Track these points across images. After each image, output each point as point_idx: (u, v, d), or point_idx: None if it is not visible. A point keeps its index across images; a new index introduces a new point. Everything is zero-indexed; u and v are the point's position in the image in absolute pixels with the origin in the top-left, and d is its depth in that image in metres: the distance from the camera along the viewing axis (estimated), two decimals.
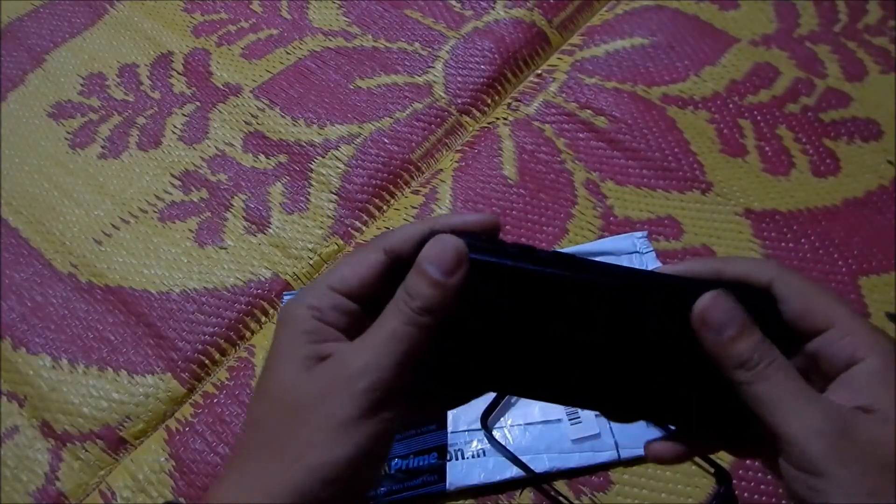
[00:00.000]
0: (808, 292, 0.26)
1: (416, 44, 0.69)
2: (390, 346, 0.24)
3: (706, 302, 0.25)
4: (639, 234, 0.55)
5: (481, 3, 0.71)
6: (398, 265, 0.26)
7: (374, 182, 0.60)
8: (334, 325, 0.26)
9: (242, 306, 0.55)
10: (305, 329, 0.25)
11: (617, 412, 0.28)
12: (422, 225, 0.26)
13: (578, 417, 0.47)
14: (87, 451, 0.50)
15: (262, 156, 0.63)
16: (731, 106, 0.62)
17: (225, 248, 0.58)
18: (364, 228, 0.59)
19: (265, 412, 0.26)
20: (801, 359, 0.26)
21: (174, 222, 0.59)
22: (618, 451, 0.46)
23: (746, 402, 0.24)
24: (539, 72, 0.67)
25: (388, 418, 0.24)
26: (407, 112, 0.64)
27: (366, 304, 0.26)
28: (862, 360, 0.24)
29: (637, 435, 0.46)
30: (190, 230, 0.59)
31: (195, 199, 0.61)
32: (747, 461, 0.45)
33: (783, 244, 0.55)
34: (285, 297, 0.53)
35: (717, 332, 0.25)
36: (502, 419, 0.47)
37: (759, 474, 0.45)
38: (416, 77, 0.67)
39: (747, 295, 0.25)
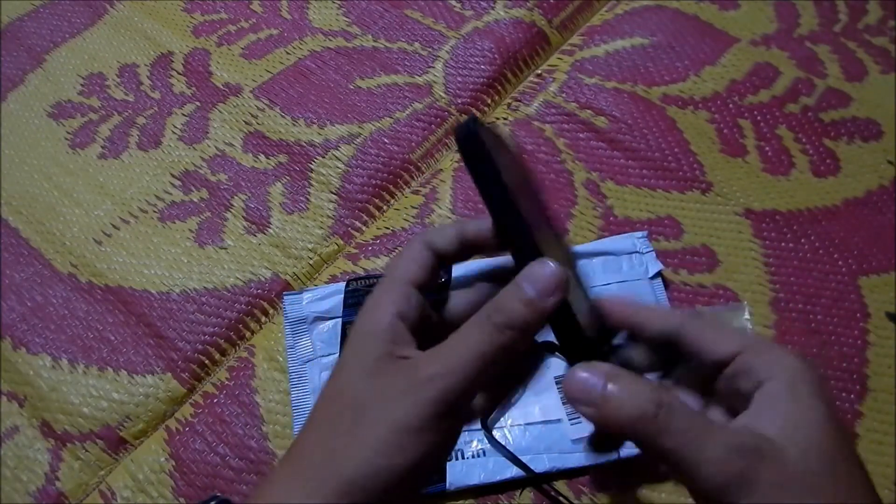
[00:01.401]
0: (714, 327, 0.25)
1: (416, 44, 0.69)
2: (466, 358, 0.24)
3: (568, 378, 0.24)
4: (639, 234, 0.55)
5: (481, 3, 0.71)
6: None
7: (374, 182, 0.60)
8: (410, 320, 0.26)
9: (242, 306, 0.55)
10: (383, 329, 0.25)
11: None
12: (459, 226, 0.28)
13: (578, 417, 0.47)
14: (87, 451, 0.50)
15: (262, 156, 0.63)
16: (731, 106, 0.62)
17: (225, 248, 0.58)
18: (364, 228, 0.59)
19: (325, 411, 0.25)
20: (723, 383, 0.26)
21: (174, 222, 0.59)
22: (618, 451, 0.45)
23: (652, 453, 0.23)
24: (539, 72, 0.67)
25: (449, 431, 0.24)
26: (407, 112, 0.64)
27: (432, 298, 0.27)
28: (764, 381, 0.24)
29: None
30: (190, 230, 0.59)
31: (195, 199, 0.61)
32: None
33: (783, 244, 0.55)
34: (285, 297, 0.54)
35: (595, 406, 0.24)
36: (502, 419, 0.47)
37: None
38: (416, 77, 0.67)
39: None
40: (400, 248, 0.56)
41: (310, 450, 0.25)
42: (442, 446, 0.24)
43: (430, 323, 0.28)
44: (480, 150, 0.26)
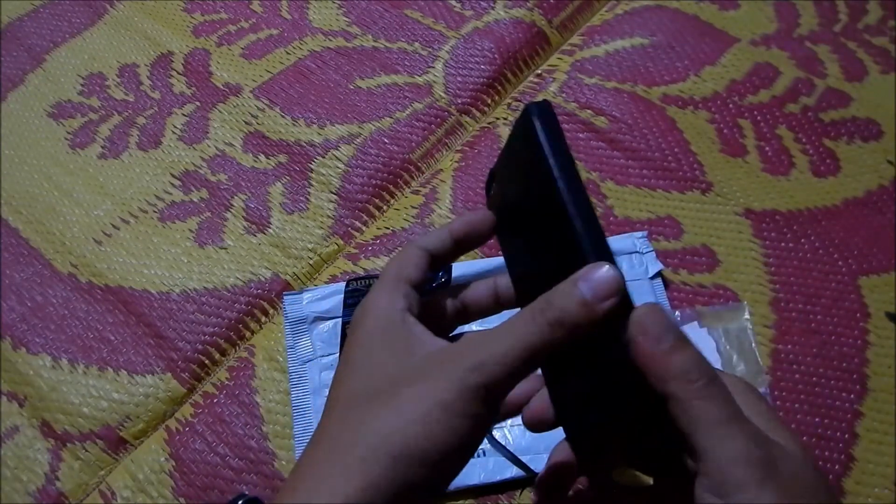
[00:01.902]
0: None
1: (416, 44, 0.69)
2: (514, 349, 0.24)
3: (644, 310, 0.24)
4: (639, 234, 0.55)
5: (481, 3, 0.71)
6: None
7: (374, 182, 0.60)
8: (413, 314, 0.27)
9: (242, 306, 0.55)
10: (397, 319, 0.26)
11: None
12: (448, 225, 0.30)
13: None
14: (87, 451, 0.50)
15: (262, 156, 0.63)
16: (731, 106, 0.62)
17: (225, 248, 0.58)
18: (364, 228, 0.59)
19: (353, 392, 0.25)
20: None
21: (174, 222, 0.59)
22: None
23: (674, 416, 0.23)
24: (539, 72, 0.67)
25: (483, 420, 0.24)
26: (407, 112, 0.64)
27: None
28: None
29: None
30: (190, 230, 0.59)
31: (195, 199, 0.61)
32: None
33: (783, 244, 0.55)
34: (285, 297, 0.54)
35: (657, 340, 0.23)
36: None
37: None
38: (416, 77, 0.67)
39: None
40: (400, 249, 0.56)
41: (345, 429, 0.24)
42: (474, 436, 0.24)
43: (428, 320, 0.28)
44: (557, 128, 0.26)
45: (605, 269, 0.24)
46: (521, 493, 0.46)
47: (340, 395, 0.26)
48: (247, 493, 0.46)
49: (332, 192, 0.60)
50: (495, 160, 0.32)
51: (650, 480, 0.30)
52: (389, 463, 0.23)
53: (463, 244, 0.30)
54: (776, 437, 0.24)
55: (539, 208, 0.27)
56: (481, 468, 0.46)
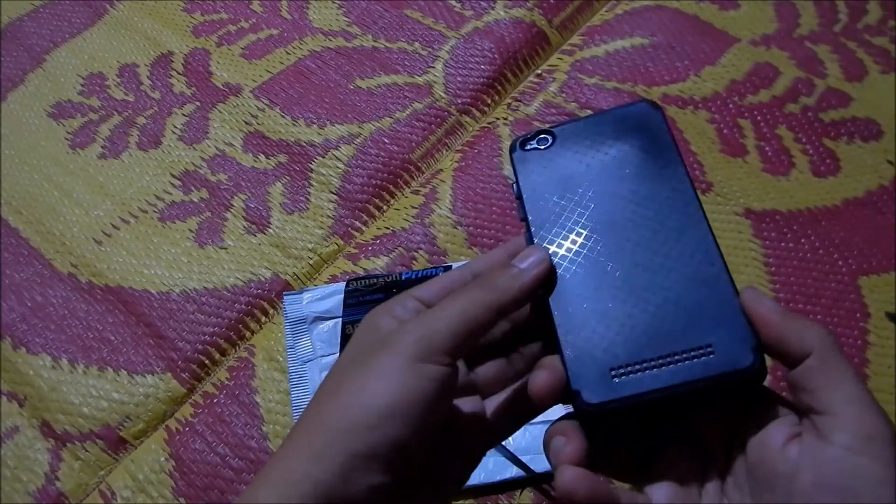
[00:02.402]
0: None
1: (416, 44, 0.69)
2: (451, 314, 0.26)
3: (750, 292, 0.26)
4: None
5: (481, 3, 0.71)
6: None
7: (374, 182, 0.60)
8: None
9: (242, 306, 0.55)
10: (380, 331, 0.27)
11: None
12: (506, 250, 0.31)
13: None
14: (87, 451, 0.50)
15: (262, 156, 0.63)
16: (731, 106, 0.62)
17: (225, 248, 0.58)
18: (364, 228, 0.59)
19: (336, 368, 0.27)
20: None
21: (174, 222, 0.59)
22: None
23: (812, 377, 0.24)
24: (539, 72, 0.67)
25: (433, 375, 0.25)
26: (407, 112, 0.64)
27: None
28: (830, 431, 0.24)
29: None
30: (190, 230, 0.59)
31: (195, 199, 0.61)
32: None
33: (783, 244, 0.55)
34: (285, 297, 0.54)
35: (776, 305, 0.25)
36: None
37: None
38: (416, 77, 0.67)
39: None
40: (400, 249, 0.56)
41: (315, 409, 0.26)
42: (436, 386, 0.25)
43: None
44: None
45: (537, 250, 0.28)
46: (521, 493, 0.46)
47: (328, 374, 0.28)
48: None
49: (332, 192, 0.60)
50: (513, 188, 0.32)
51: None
52: (353, 429, 0.24)
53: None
54: None
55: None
56: (481, 468, 0.46)
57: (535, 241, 0.29)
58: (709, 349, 0.25)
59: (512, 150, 0.32)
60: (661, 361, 0.25)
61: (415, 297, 0.28)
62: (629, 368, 0.25)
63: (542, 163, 0.31)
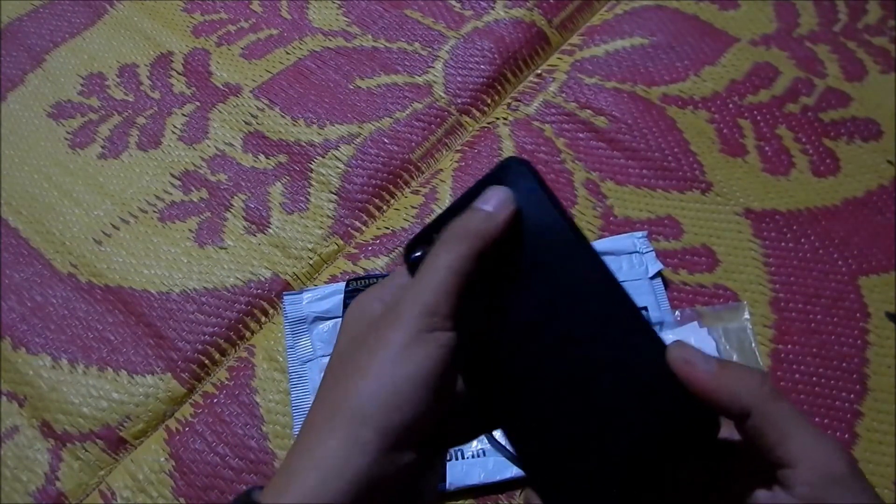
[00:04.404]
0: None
1: (416, 44, 0.69)
2: (436, 274, 0.26)
3: (677, 346, 0.25)
4: (639, 233, 0.55)
5: (481, 3, 0.71)
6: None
7: (374, 182, 0.60)
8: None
9: (242, 306, 0.55)
10: (372, 314, 0.27)
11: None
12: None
13: None
14: (87, 451, 0.50)
15: (262, 156, 0.63)
16: (731, 106, 0.62)
17: (225, 248, 0.58)
18: (364, 228, 0.59)
19: (338, 360, 0.27)
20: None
21: (174, 222, 0.59)
22: None
23: (756, 432, 0.24)
24: (539, 72, 0.67)
25: (441, 344, 0.25)
26: (407, 112, 0.64)
27: None
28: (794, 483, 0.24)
29: None
30: (190, 230, 0.59)
31: (195, 199, 0.61)
32: None
33: (783, 244, 0.55)
34: (285, 297, 0.54)
35: (706, 363, 0.24)
36: None
37: None
38: (416, 77, 0.67)
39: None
40: (400, 249, 0.56)
41: (324, 397, 0.26)
42: (438, 360, 0.25)
43: None
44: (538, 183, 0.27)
45: (492, 189, 0.27)
46: (520, 493, 0.46)
47: (329, 362, 0.28)
48: (260, 486, 0.46)
49: (332, 192, 0.60)
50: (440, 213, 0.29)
51: None
52: (359, 419, 0.24)
53: None
54: None
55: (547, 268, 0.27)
56: (481, 468, 0.46)
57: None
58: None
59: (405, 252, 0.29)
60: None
61: (397, 284, 0.28)
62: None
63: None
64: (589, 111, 0.63)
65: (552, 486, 0.26)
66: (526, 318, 0.27)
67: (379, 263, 0.56)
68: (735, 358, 0.49)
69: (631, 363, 0.25)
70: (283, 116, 0.65)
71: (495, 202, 0.27)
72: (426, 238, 0.28)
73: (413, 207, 0.59)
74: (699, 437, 0.25)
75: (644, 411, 0.25)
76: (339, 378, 0.26)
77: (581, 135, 0.62)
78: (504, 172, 0.28)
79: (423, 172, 0.62)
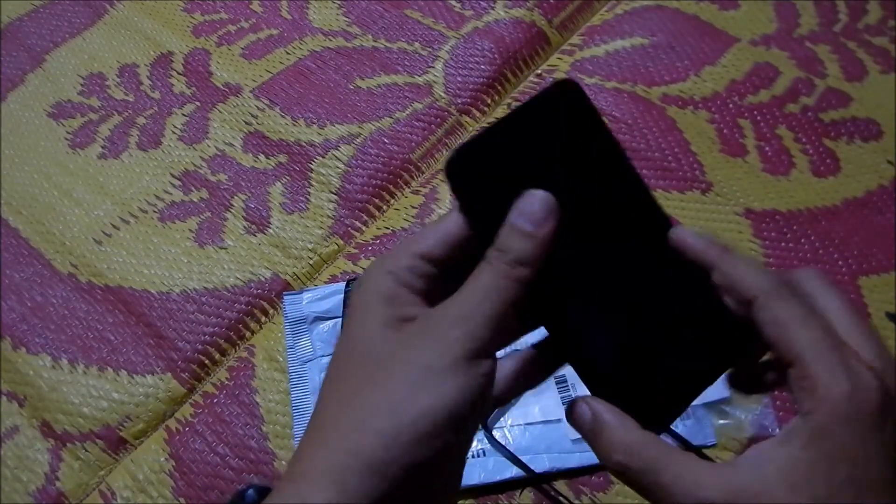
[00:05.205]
0: (782, 323, 0.25)
1: (416, 44, 0.69)
2: (485, 300, 0.24)
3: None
4: None
5: (481, 3, 0.71)
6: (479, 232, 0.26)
7: (374, 182, 0.60)
8: (411, 287, 0.25)
9: (242, 306, 0.55)
10: (382, 291, 0.25)
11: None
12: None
13: None
14: (87, 451, 0.50)
15: (262, 156, 0.63)
16: (731, 106, 0.62)
17: (225, 248, 0.58)
18: (364, 228, 0.59)
19: (344, 370, 0.25)
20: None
21: (174, 222, 0.59)
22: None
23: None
24: (539, 72, 0.67)
25: (482, 372, 0.24)
26: (407, 112, 0.64)
27: (447, 270, 0.26)
28: (806, 413, 0.23)
29: None
30: (190, 230, 0.59)
31: (195, 199, 0.61)
32: None
33: (783, 244, 0.55)
34: (285, 297, 0.54)
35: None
36: (502, 419, 0.47)
37: None
38: (416, 77, 0.67)
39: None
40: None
41: (331, 415, 0.24)
42: (476, 391, 0.23)
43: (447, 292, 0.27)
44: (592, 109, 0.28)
45: (528, 196, 0.25)
46: (521, 493, 0.46)
47: (330, 378, 0.26)
48: (257, 482, 0.46)
49: (332, 192, 0.60)
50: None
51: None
52: (383, 443, 0.22)
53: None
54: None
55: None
56: (481, 468, 0.46)
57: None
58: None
59: (450, 168, 0.26)
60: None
61: (414, 253, 0.26)
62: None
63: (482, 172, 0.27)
64: None
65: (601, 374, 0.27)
66: (586, 239, 0.27)
67: None
68: None
69: (678, 282, 0.28)
70: (283, 116, 0.65)
71: (535, 219, 0.25)
72: (473, 162, 0.26)
73: (413, 207, 0.59)
74: (738, 343, 0.28)
75: (690, 322, 0.28)
76: (363, 383, 0.24)
77: None
78: (556, 96, 0.27)
79: (423, 172, 0.62)
